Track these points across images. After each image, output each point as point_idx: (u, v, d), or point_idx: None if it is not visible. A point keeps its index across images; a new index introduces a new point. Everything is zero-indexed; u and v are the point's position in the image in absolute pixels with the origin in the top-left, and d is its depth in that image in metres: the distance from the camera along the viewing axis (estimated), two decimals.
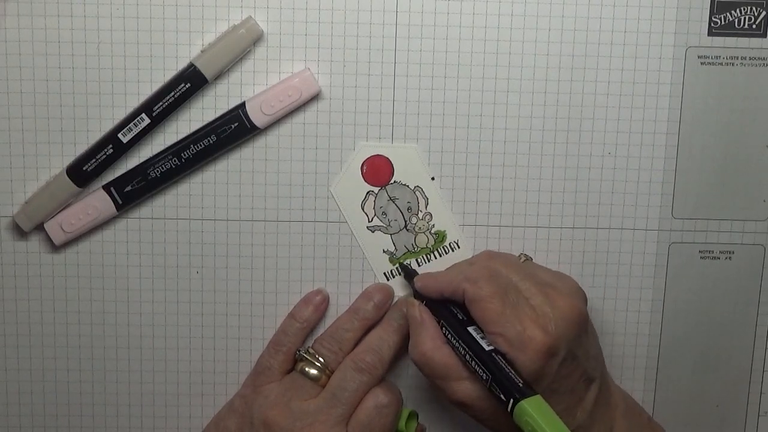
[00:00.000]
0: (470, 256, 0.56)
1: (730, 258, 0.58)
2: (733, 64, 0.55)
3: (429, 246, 0.57)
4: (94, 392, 0.58)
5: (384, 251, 0.57)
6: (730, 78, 0.56)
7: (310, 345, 0.56)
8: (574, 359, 0.50)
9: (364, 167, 0.56)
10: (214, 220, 0.56)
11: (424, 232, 0.56)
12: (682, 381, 0.59)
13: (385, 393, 0.54)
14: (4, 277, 0.57)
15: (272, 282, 0.57)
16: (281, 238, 0.57)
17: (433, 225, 0.56)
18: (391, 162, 0.56)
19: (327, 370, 0.54)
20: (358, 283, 0.57)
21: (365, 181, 0.56)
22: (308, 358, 0.55)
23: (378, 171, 0.56)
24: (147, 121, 0.54)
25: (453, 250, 0.57)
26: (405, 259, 0.56)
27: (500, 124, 0.56)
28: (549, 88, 0.56)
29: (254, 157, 0.56)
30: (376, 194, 0.56)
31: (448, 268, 0.54)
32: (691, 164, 0.57)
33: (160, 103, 0.54)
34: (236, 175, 0.56)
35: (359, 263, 0.57)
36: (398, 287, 0.57)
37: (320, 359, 0.55)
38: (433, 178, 0.56)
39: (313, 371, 0.54)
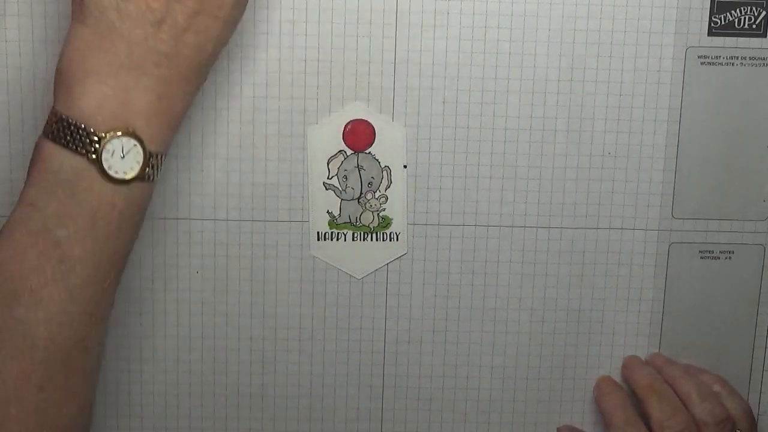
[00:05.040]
0: (405, 252, 0.56)
1: (730, 258, 0.58)
2: (733, 64, 0.55)
3: (371, 226, 0.57)
4: None
5: (328, 212, 0.56)
6: (730, 78, 0.56)
7: None
8: None
9: (348, 126, 0.55)
10: (214, 220, 0.56)
11: (372, 212, 0.56)
12: None
13: None
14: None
15: (272, 282, 0.57)
16: (281, 238, 0.57)
17: (384, 209, 0.56)
18: (375, 133, 0.56)
19: None
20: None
21: (343, 139, 0.55)
22: None
23: (359, 136, 0.55)
24: None
25: (390, 240, 0.57)
26: (344, 228, 0.56)
27: (500, 124, 0.56)
28: (549, 88, 0.56)
29: (254, 157, 0.56)
30: (347, 156, 0.56)
31: None
32: (691, 164, 0.57)
33: None
34: (236, 175, 0.56)
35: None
36: (327, 252, 0.57)
37: None
38: (405, 166, 0.56)
39: None
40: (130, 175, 0.46)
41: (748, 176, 0.57)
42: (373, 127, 0.55)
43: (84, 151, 0.45)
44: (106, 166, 0.45)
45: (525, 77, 0.55)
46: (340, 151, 0.56)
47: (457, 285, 0.58)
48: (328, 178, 0.56)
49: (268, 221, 0.57)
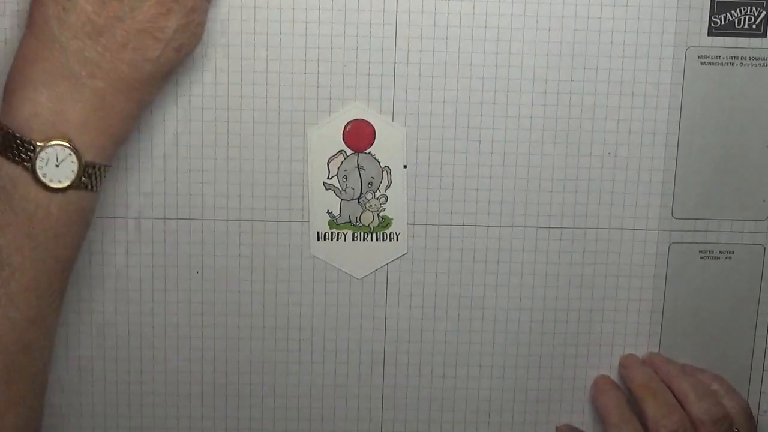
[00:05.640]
0: (405, 252, 0.56)
1: (730, 258, 0.58)
2: (733, 64, 0.55)
3: (371, 226, 0.57)
4: (93, 392, 0.58)
5: (328, 212, 0.56)
6: (730, 78, 0.56)
7: None
8: None
9: (349, 126, 0.55)
10: (214, 220, 0.56)
11: (372, 212, 0.56)
12: None
13: None
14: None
15: (272, 282, 0.57)
16: (281, 238, 0.57)
17: (384, 209, 0.56)
18: (375, 133, 0.56)
19: None
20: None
21: (343, 139, 0.55)
22: None
23: (360, 136, 0.55)
24: None
25: (390, 240, 0.57)
26: (344, 228, 0.56)
27: (500, 124, 0.56)
28: (549, 88, 0.56)
29: (254, 157, 0.56)
30: (347, 156, 0.56)
31: None
32: (691, 164, 0.57)
33: None
34: (236, 175, 0.56)
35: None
36: (327, 252, 0.57)
37: None
38: (405, 166, 0.56)
39: None
40: (65, 184, 0.46)
41: (748, 176, 0.57)
42: (373, 127, 0.55)
43: (19, 159, 0.46)
44: (40, 174, 0.46)
45: (525, 77, 0.55)
46: (340, 151, 0.55)
47: (457, 285, 0.58)
48: (328, 178, 0.56)
49: (268, 221, 0.57)
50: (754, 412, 0.59)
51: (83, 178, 0.47)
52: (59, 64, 0.46)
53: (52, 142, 0.46)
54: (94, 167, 0.47)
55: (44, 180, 0.46)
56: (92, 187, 0.48)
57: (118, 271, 0.57)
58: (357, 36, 0.55)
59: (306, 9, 0.54)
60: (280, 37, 0.55)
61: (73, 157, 0.46)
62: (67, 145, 0.46)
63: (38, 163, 0.46)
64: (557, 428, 0.59)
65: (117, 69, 0.47)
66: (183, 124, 0.55)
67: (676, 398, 0.56)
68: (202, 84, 0.55)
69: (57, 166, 0.46)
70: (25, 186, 0.46)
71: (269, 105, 0.55)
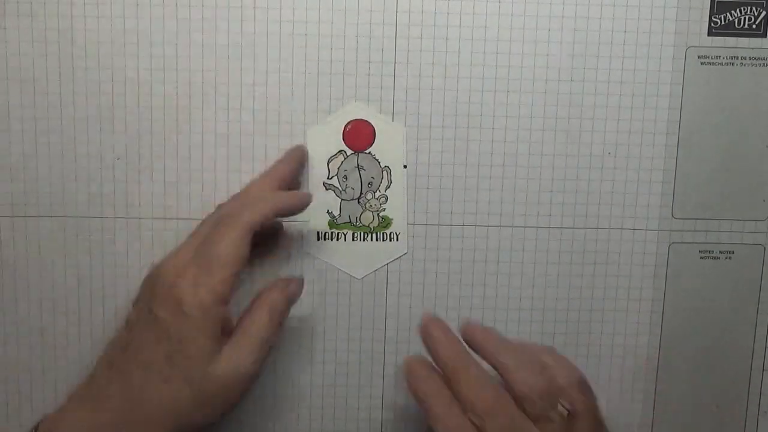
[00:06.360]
0: (405, 252, 0.56)
1: (730, 258, 0.58)
2: (733, 64, 0.56)
3: (371, 226, 0.57)
4: None
5: (328, 212, 0.56)
6: (730, 78, 0.56)
7: None
8: None
9: (348, 126, 0.55)
10: None
11: (372, 211, 0.56)
12: (682, 381, 0.59)
13: None
14: (3, 277, 0.57)
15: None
16: (281, 238, 0.57)
17: (384, 209, 0.56)
18: (375, 133, 0.56)
19: None
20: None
21: (343, 139, 0.55)
22: None
23: (359, 136, 0.55)
24: None
25: (390, 240, 0.57)
26: (344, 228, 0.56)
27: (500, 124, 0.56)
28: (549, 88, 0.56)
29: (254, 157, 0.56)
30: (347, 156, 0.56)
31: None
32: (691, 164, 0.57)
33: None
34: (236, 175, 0.56)
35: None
36: (327, 252, 0.57)
37: None
38: (405, 166, 0.56)
39: None
40: None
41: (748, 176, 0.57)
42: (373, 127, 0.55)
43: None
44: None
45: (525, 77, 0.55)
46: (340, 151, 0.55)
47: (457, 285, 0.58)
48: (328, 178, 0.56)
49: None
50: (754, 412, 0.59)
51: None
52: None
53: None
54: None
55: None
56: None
57: (118, 270, 0.57)
58: (357, 36, 0.55)
59: (306, 9, 0.54)
60: (280, 37, 0.55)
61: None
62: None
63: None
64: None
65: None
66: (183, 124, 0.55)
67: (499, 372, 0.49)
68: (201, 84, 0.55)
69: None
70: None
71: (269, 105, 0.55)
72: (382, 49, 0.55)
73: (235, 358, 0.49)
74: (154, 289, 0.50)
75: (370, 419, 0.59)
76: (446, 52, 0.55)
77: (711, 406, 0.59)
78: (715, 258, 0.58)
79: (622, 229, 0.57)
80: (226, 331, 0.50)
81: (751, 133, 0.56)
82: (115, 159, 0.56)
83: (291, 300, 0.53)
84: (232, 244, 0.50)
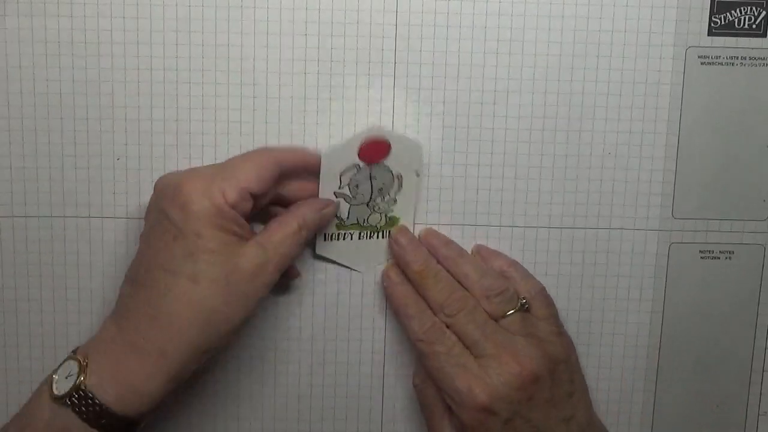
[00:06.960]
0: None
1: (730, 258, 0.58)
2: (733, 64, 0.56)
3: (378, 226, 0.56)
4: None
5: (337, 216, 0.56)
6: (730, 78, 0.56)
7: None
8: (525, 420, 0.51)
9: (365, 144, 0.54)
10: None
11: (380, 213, 0.56)
12: (682, 381, 0.59)
13: None
14: (3, 277, 0.57)
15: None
16: None
17: (392, 210, 0.56)
18: (391, 149, 0.55)
19: None
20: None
21: (358, 155, 0.55)
22: None
23: (374, 153, 0.55)
24: None
25: None
26: (352, 228, 0.56)
27: (500, 124, 0.56)
28: (549, 88, 0.56)
29: None
30: (359, 169, 0.55)
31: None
32: (691, 164, 0.57)
33: None
34: None
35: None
36: (332, 250, 0.57)
37: None
38: (418, 174, 0.56)
39: None
40: None
41: (748, 176, 0.57)
42: (389, 144, 0.55)
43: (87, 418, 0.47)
44: None
45: (525, 77, 0.55)
46: (354, 164, 0.55)
47: None
48: (338, 188, 0.55)
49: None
50: (754, 412, 0.59)
51: None
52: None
53: None
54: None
55: None
56: None
57: (118, 270, 0.57)
58: (357, 36, 0.55)
59: (306, 9, 0.54)
60: (280, 37, 0.55)
61: None
62: None
63: None
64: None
65: None
66: (184, 124, 0.55)
67: (460, 282, 0.54)
68: (201, 84, 0.55)
69: None
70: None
71: (269, 105, 0.55)
72: (382, 49, 0.55)
73: (261, 253, 0.49)
74: (165, 190, 0.49)
75: (370, 419, 0.59)
76: (446, 52, 0.55)
77: (711, 406, 0.59)
78: (715, 258, 0.58)
79: (622, 229, 0.57)
80: (243, 236, 0.49)
81: (751, 133, 0.56)
82: (115, 159, 0.56)
83: (322, 222, 0.53)
84: (253, 163, 0.50)
